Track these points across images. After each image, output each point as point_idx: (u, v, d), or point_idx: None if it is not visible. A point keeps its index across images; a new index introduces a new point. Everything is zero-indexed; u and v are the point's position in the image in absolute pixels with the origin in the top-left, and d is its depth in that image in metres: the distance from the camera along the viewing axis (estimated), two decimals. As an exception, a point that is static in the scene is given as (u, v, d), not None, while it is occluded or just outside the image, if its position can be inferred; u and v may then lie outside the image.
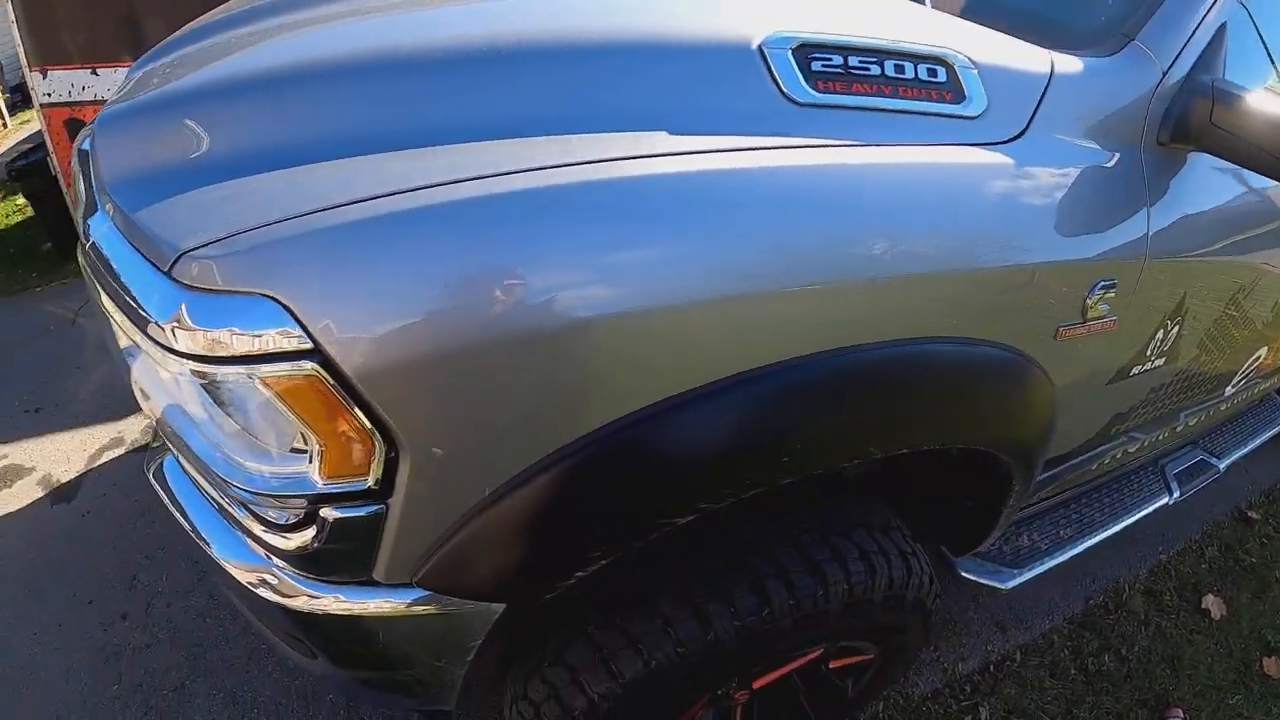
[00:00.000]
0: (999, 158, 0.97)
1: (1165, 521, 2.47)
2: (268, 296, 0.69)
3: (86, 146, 0.96)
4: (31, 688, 1.86)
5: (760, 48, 0.89)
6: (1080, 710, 1.91)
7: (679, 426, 0.84)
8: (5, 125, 8.58)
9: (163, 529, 2.23)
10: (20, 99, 7.94)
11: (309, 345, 0.69)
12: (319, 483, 0.78)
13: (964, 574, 1.61)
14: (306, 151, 0.77)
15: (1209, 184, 1.28)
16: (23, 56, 3.29)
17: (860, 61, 0.92)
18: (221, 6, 1.32)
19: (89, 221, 0.91)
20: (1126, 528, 1.86)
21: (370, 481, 0.78)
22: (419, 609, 0.90)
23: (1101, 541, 1.82)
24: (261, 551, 0.91)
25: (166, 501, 1.06)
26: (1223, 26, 1.21)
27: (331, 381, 0.71)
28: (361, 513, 0.80)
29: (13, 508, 2.43)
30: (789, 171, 0.83)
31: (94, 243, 0.86)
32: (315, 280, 0.69)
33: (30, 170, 3.76)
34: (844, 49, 0.92)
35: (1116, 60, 1.14)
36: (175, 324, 0.71)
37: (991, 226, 0.97)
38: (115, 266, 0.79)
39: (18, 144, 5.70)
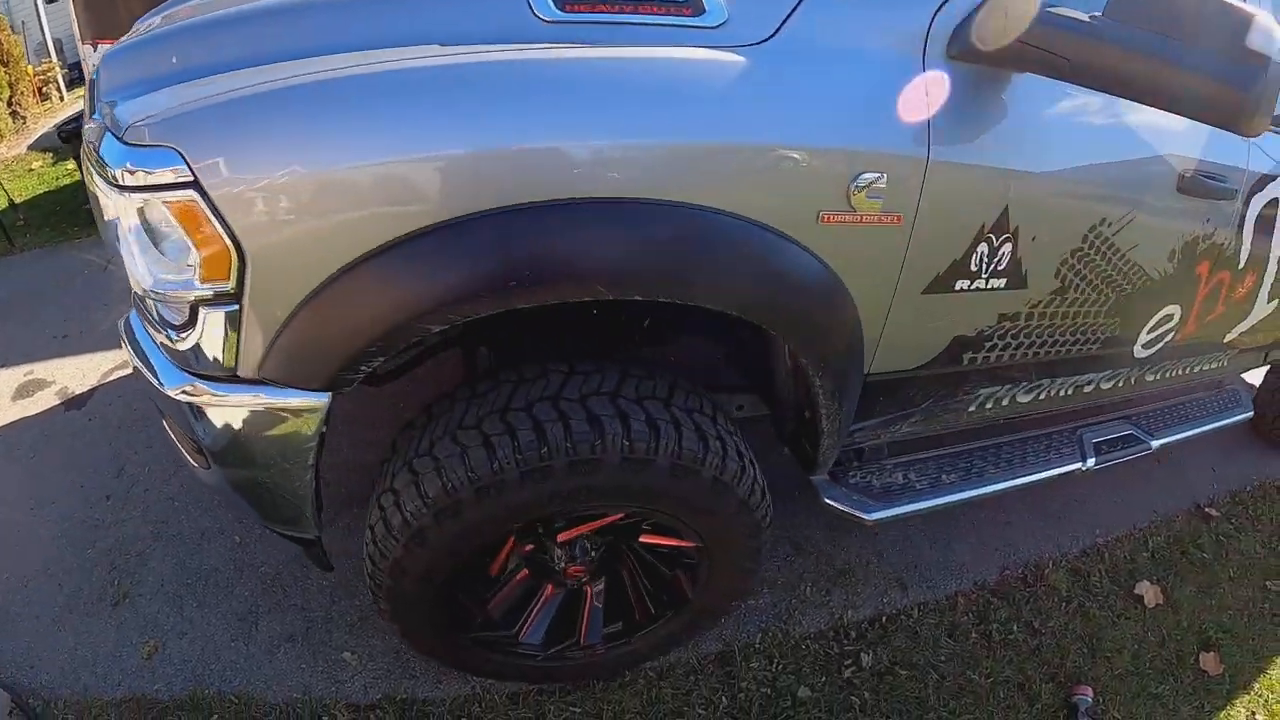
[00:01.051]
0: (733, 56, 1.14)
1: (1109, 506, 2.43)
2: (170, 148, 1.01)
3: (94, 76, 1.35)
4: (24, 546, 2.20)
5: None
6: (974, 673, 1.90)
7: (435, 245, 1.07)
8: (63, 98, 9.81)
9: (152, 431, 2.54)
10: (78, 75, 8.74)
11: (191, 179, 1.01)
12: (198, 284, 1.08)
13: (827, 499, 1.68)
14: (215, 68, 1.14)
15: (1042, 104, 1.38)
16: (77, 31, 3.89)
17: None
18: None
19: (88, 125, 1.30)
20: (1031, 487, 1.90)
21: (231, 284, 1.08)
22: (264, 399, 1.17)
23: (990, 494, 1.84)
24: (178, 367, 1.22)
25: (126, 347, 1.39)
26: None
27: (204, 205, 1.02)
28: (223, 309, 1.10)
29: (31, 412, 2.86)
30: (522, 63, 1.09)
31: (88, 140, 1.24)
32: (198, 138, 1.02)
33: (78, 133, 4.26)
34: None
35: None
36: (122, 168, 1.05)
37: (720, 110, 1.13)
38: (95, 144, 1.13)
39: (72, 115, 6.42)
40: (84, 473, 2.47)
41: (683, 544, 1.51)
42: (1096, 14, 1.23)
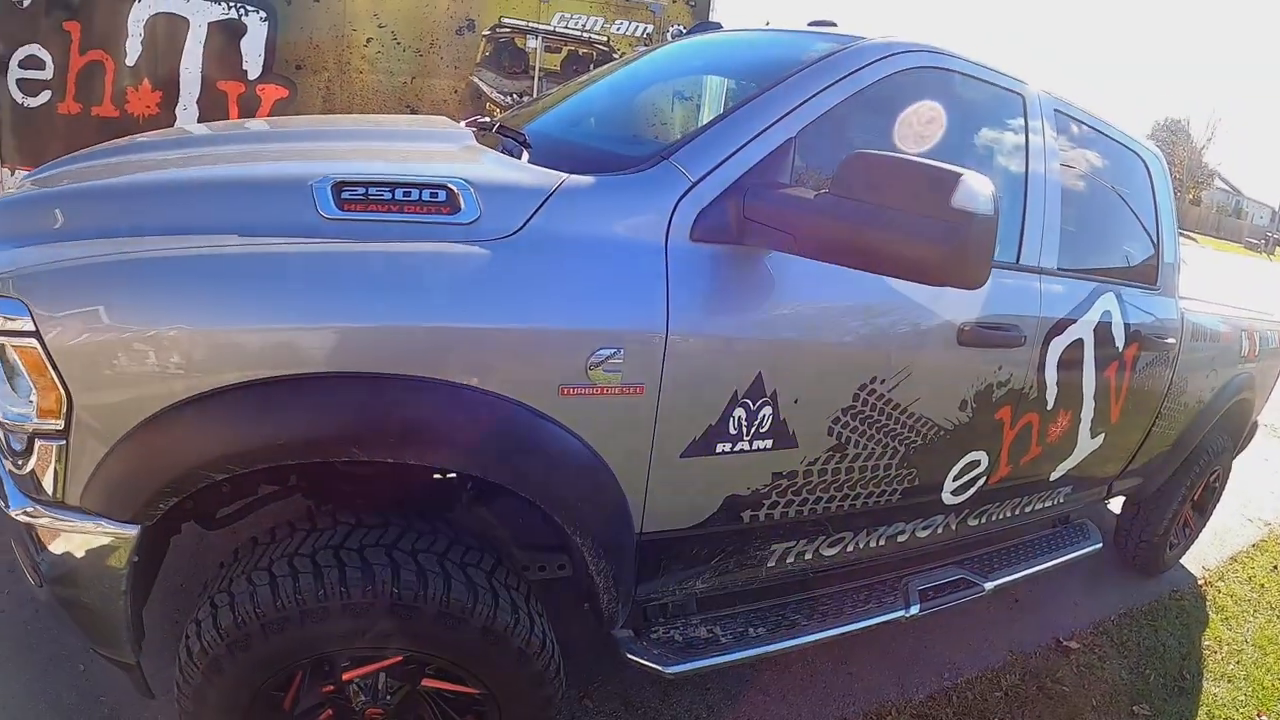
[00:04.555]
0: (482, 249, 1.33)
1: (962, 648, 2.45)
2: (19, 300, 1.21)
3: None
4: None
5: (310, 185, 1.37)
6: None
7: (208, 407, 1.26)
8: None
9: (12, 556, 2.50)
10: None
11: (33, 329, 1.20)
12: (35, 419, 1.26)
13: (627, 654, 1.74)
14: (77, 234, 1.32)
15: (795, 273, 1.54)
16: None
17: (377, 191, 1.37)
18: (98, 146, 1.96)
19: None
20: (847, 637, 1.93)
21: (60, 423, 1.25)
22: (83, 526, 1.32)
23: (800, 645, 1.89)
24: (21, 491, 1.37)
25: None
26: (788, 142, 1.54)
27: (43, 353, 1.21)
28: (54, 444, 1.28)
29: None
30: (303, 255, 1.28)
31: None
32: (43, 296, 1.21)
33: None
34: (366, 183, 1.38)
35: (643, 175, 1.50)
36: None
37: (469, 298, 1.31)
38: None
39: None
40: None
41: (466, 690, 1.57)
42: (824, 190, 1.37)
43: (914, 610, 2.02)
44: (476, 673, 1.53)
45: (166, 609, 2.28)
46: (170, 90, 4.32)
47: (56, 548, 1.38)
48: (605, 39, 4.96)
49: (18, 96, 4.21)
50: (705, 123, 1.61)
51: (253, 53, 4.36)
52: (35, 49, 4.16)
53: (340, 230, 1.32)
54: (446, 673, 1.56)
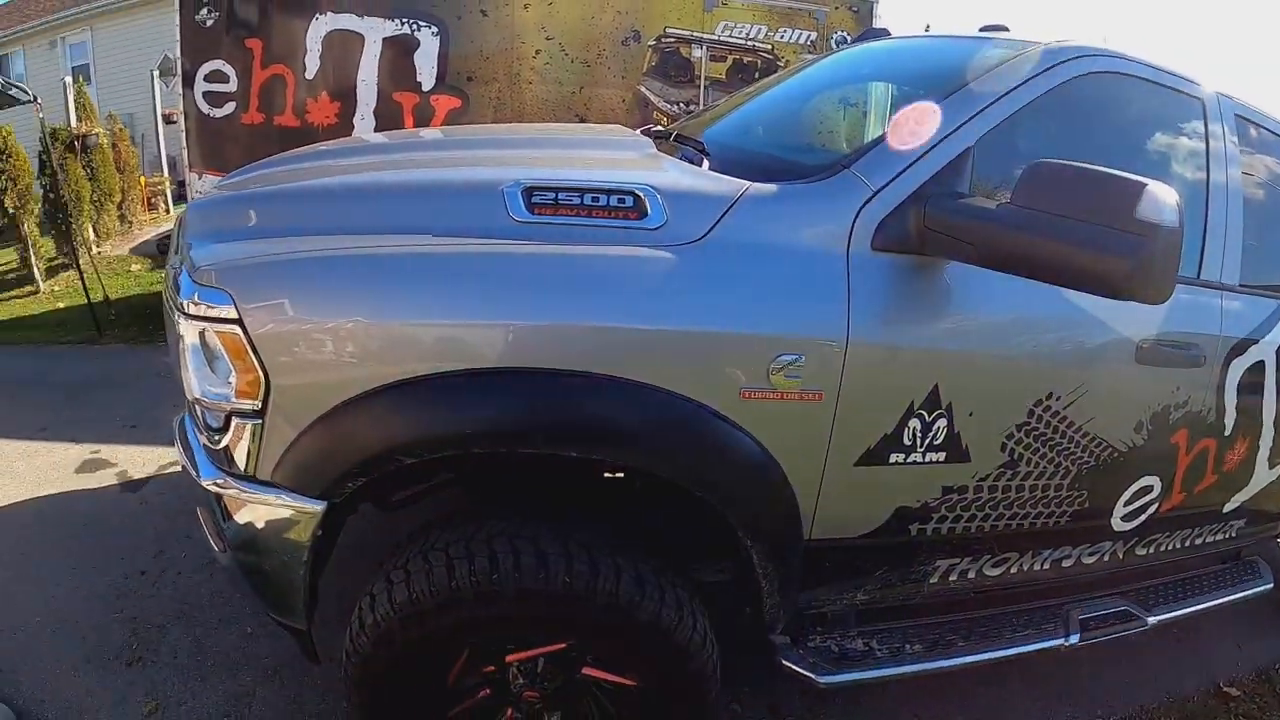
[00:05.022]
0: (669, 254, 1.38)
1: (1116, 683, 2.30)
2: (224, 290, 1.32)
3: (181, 219, 1.74)
4: (61, 599, 2.51)
5: (501, 189, 1.43)
6: None
7: (401, 396, 1.33)
8: (169, 211, 11.07)
9: (195, 525, 2.74)
10: (184, 193, 9.87)
11: (236, 317, 1.31)
12: (233, 399, 1.36)
13: (783, 660, 1.74)
14: (273, 233, 1.44)
15: (976, 286, 1.50)
16: (184, 158, 4.67)
17: (566, 196, 1.42)
18: (286, 154, 2.15)
19: (172, 257, 1.67)
20: (1004, 661, 1.86)
21: (257, 403, 1.35)
22: (273, 499, 1.43)
23: (955, 667, 1.83)
24: (213, 464, 1.50)
25: (178, 443, 1.72)
26: (966, 151, 1.50)
27: (246, 340, 1.31)
28: (250, 422, 1.38)
29: (92, 487, 3.24)
30: (498, 256, 1.35)
31: (170, 268, 1.61)
32: (247, 287, 1.32)
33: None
34: (556, 188, 1.44)
35: (824, 184, 1.50)
36: (189, 300, 1.36)
37: (655, 300, 1.35)
38: (175, 278, 1.48)
39: (172, 228, 7.14)
40: (127, 548, 2.78)
41: (624, 681, 1.60)
42: (1004, 200, 1.33)
43: (1073, 639, 1.93)
44: (637, 666, 1.56)
45: (327, 580, 2.43)
46: (348, 101, 4.59)
47: (243, 517, 1.49)
48: (769, 47, 4.99)
49: (204, 108, 4.60)
50: (884, 132, 1.59)
51: (426, 65, 4.58)
52: (219, 64, 4.53)
53: (530, 233, 1.38)
54: (606, 663, 1.60)
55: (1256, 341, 1.98)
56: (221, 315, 1.32)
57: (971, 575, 1.82)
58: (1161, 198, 1.21)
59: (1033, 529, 1.77)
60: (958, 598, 1.89)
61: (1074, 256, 1.25)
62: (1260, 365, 2.00)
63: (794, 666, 1.69)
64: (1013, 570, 1.87)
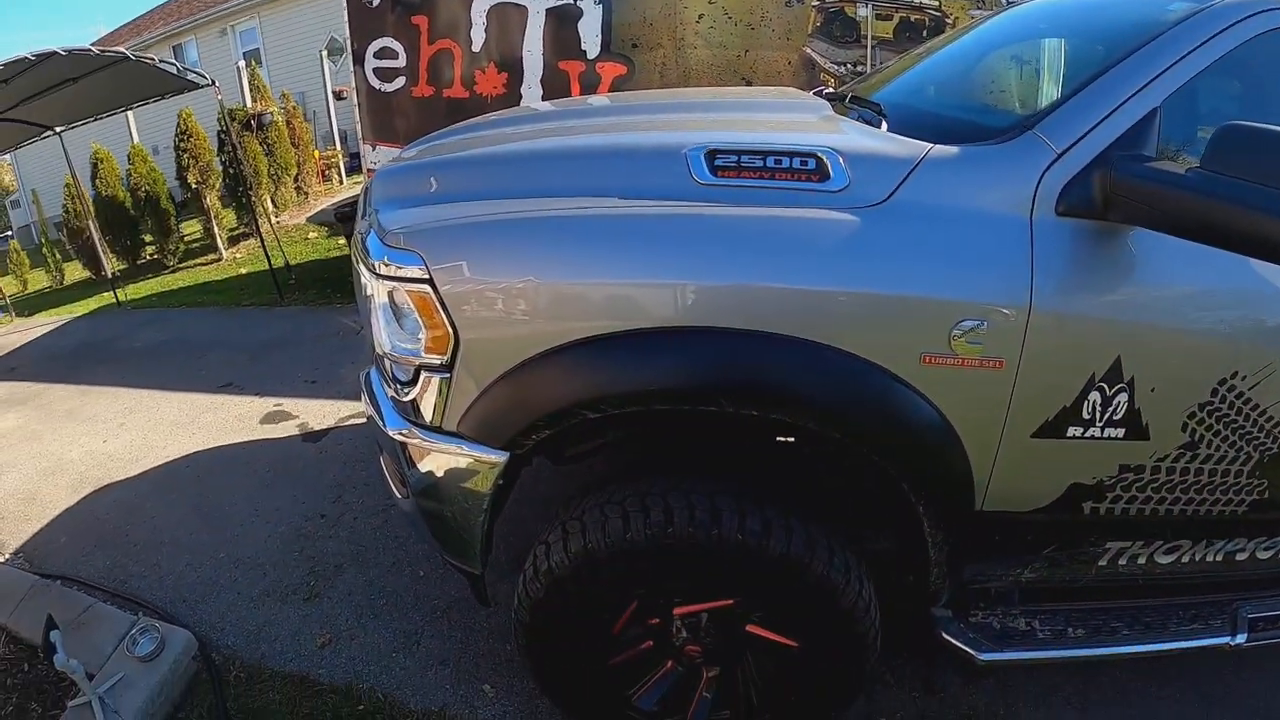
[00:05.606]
0: (852, 216, 1.39)
1: (1275, 693, 2.15)
2: (414, 252, 1.42)
3: (368, 186, 1.88)
4: (245, 538, 2.81)
5: (684, 152, 1.48)
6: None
7: (590, 353, 1.41)
8: (342, 181, 11.79)
9: (372, 472, 3.07)
10: (356, 163, 10.49)
11: (427, 277, 1.41)
12: (423, 354, 1.47)
13: (943, 633, 1.73)
14: (457, 197, 1.55)
15: (1161, 256, 1.45)
16: (359, 130, 4.97)
17: (749, 159, 1.46)
18: (461, 123, 2.29)
19: (360, 222, 1.80)
20: (1168, 654, 1.80)
21: (446, 358, 1.45)
22: (457, 449, 1.54)
23: (1117, 655, 1.78)
24: (399, 415, 1.62)
25: (365, 395, 1.83)
26: (1153, 112, 1.46)
27: (435, 298, 1.41)
28: (438, 376, 1.49)
29: (274, 436, 3.59)
30: (684, 217, 1.41)
31: (359, 232, 1.74)
32: (436, 249, 1.43)
33: (350, 215, 5.24)
34: (738, 151, 1.47)
35: (1007, 146, 1.48)
36: (379, 261, 1.49)
37: (838, 263, 1.37)
38: (364, 240, 1.60)
39: (348, 199, 7.69)
40: (307, 493, 3.06)
41: (785, 641, 1.65)
42: (1194, 164, 1.32)
43: (1240, 639, 1.82)
44: (800, 626, 1.60)
45: (504, 533, 2.60)
46: (514, 72, 4.75)
47: (426, 465, 1.60)
48: (937, 4, 4.81)
49: (375, 83, 4.92)
50: (1067, 92, 1.55)
51: (590, 34, 4.67)
52: (388, 41, 4.83)
53: (714, 195, 1.42)
54: (770, 622, 1.65)
55: None
56: (411, 275, 1.43)
57: (1142, 561, 1.76)
58: None
59: (1209, 516, 1.69)
60: (1125, 584, 1.83)
61: (1270, 226, 1.20)
62: None
63: (954, 641, 1.69)
64: (1184, 559, 1.78)
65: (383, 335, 1.53)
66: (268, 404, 3.84)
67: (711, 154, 1.47)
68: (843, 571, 1.53)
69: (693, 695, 1.79)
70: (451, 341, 1.44)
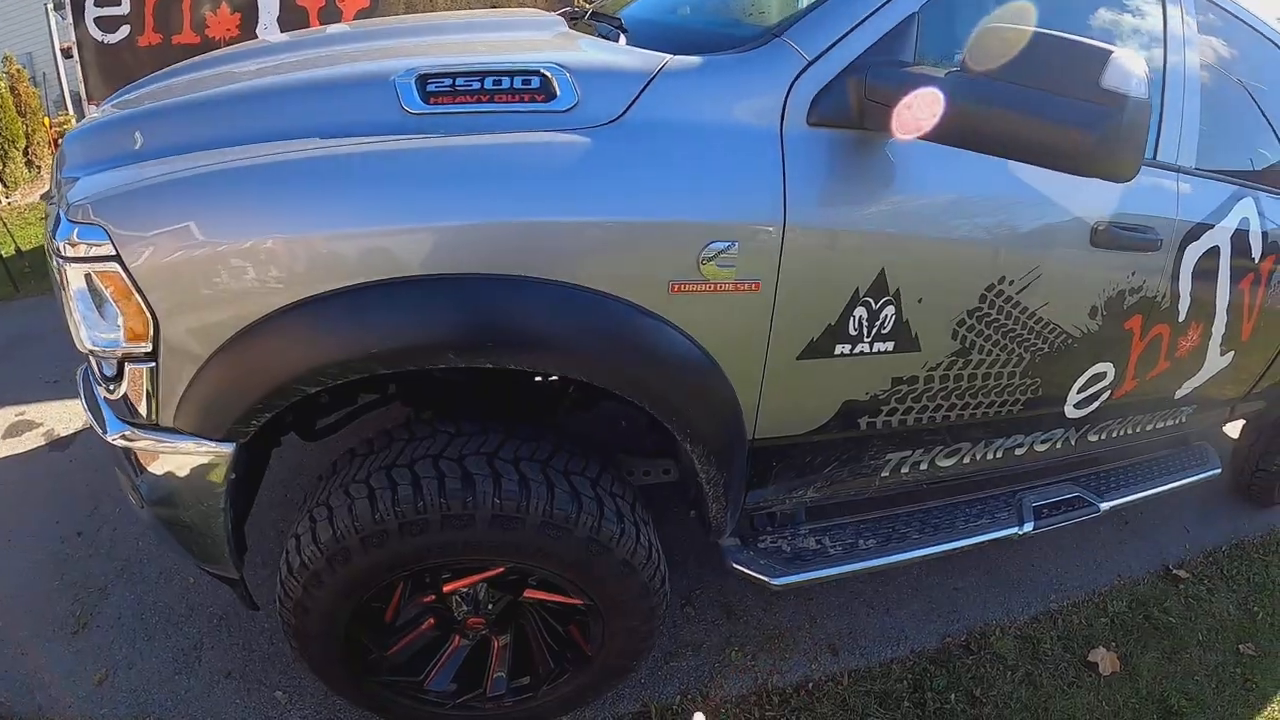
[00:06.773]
0: (582, 138, 1.23)
1: (1069, 570, 2.37)
2: (99, 225, 1.17)
3: (61, 150, 1.53)
4: (1, 574, 2.35)
5: (393, 79, 1.28)
6: (907, 742, 1.81)
7: (299, 318, 1.19)
8: None
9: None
10: None
11: (114, 253, 1.16)
12: (123, 343, 1.23)
13: (732, 563, 1.69)
14: (154, 153, 1.26)
15: (921, 164, 1.40)
16: (83, 91, 4.49)
17: (464, 82, 1.27)
18: (178, 64, 1.92)
19: (52, 198, 1.48)
20: (959, 552, 1.86)
21: (148, 345, 1.22)
22: (179, 446, 1.31)
23: (910, 560, 1.82)
24: (117, 416, 1.36)
25: (82, 398, 1.54)
26: (910, 17, 1.38)
27: (126, 276, 1.17)
28: (144, 366, 1.25)
29: (18, 450, 3.06)
30: (386, 154, 1.19)
31: (48, 208, 1.43)
32: (122, 218, 1.17)
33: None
34: (453, 74, 1.28)
35: (754, 54, 1.35)
36: (65, 242, 1.20)
37: (568, 190, 1.21)
38: (50, 217, 1.32)
39: None
40: (60, 510, 2.63)
41: (569, 600, 1.54)
42: (953, 68, 1.24)
43: (1028, 528, 1.92)
44: (580, 584, 1.48)
45: (274, 520, 2.37)
46: (249, 11, 4.28)
47: (155, 469, 1.37)
48: None
49: (97, 35, 4.28)
50: None
51: None
52: None
53: (426, 125, 1.23)
54: (549, 584, 1.53)
55: (1212, 226, 1.92)
56: (98, 253, 1.18)
57: (924, 467, 1.78)
58: (1129, 66, 1.10)
59: (986, 418, 1.73)
60: (910, 490, 1.87)
61: (1032, 129, 1.15)
62: (1215, 250, 1.95)
63: (745, 569, 1.65)
64: (965, 460, 1.83)
65: (82, 328, 1.27)
66: (9, 414, 3.29)
67: (423, 79, 1.27)
68: (616, 520, 1.41)
69: (487, 667, 1.67)
70: (151, 326, 1.20)
